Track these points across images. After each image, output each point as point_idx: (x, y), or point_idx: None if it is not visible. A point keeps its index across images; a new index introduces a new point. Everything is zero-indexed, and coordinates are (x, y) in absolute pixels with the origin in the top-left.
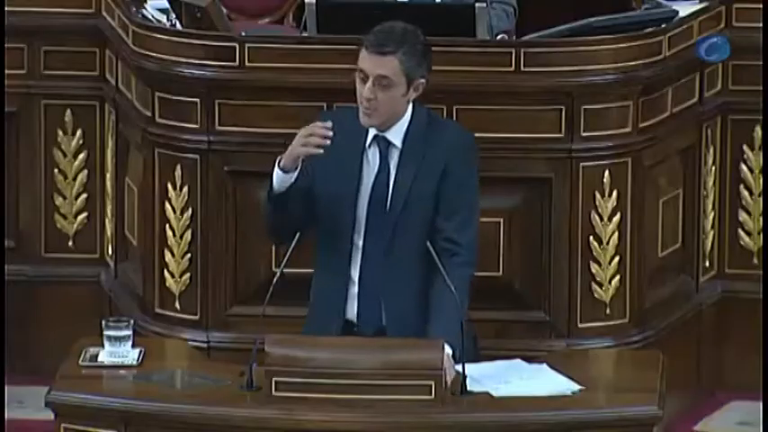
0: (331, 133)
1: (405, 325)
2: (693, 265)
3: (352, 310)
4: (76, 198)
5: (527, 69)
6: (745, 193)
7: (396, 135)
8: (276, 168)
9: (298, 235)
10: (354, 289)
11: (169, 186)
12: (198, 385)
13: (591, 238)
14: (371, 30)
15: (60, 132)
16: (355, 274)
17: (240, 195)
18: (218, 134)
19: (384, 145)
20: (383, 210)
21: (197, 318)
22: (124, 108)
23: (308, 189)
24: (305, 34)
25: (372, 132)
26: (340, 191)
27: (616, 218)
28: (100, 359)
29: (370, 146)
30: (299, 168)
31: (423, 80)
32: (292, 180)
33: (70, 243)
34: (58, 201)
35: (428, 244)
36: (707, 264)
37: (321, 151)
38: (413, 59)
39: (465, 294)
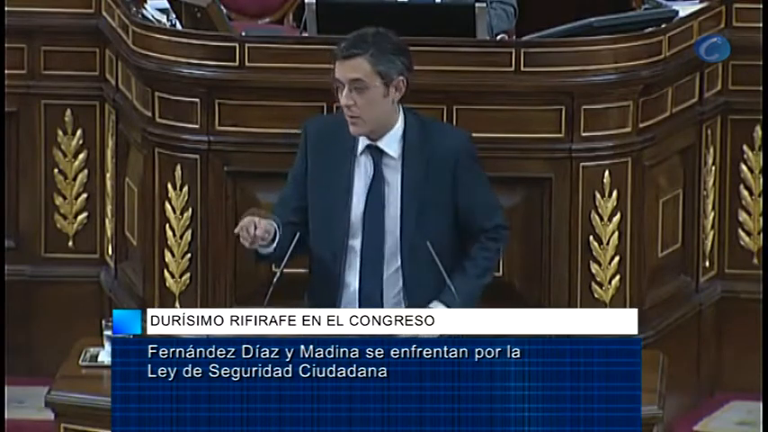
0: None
1: None
2: (693, 265)
3: None
4: (76, 198)
5: (527, 69)
6: (745, 193)
7: (389, 144)
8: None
9: (297, 235)
10: (350, 294)
11: (169, 186)
12: None
13: (591, 238)
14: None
15: (60, 132)
16: (352, 280)
17: (240, 195)
18: (217, 134)
19: (377, 154)
20: (381, 217)
21: None
22: (124, 108)
23: (298, 209)
24: (305, 34)
25: (364, 141)
26: (333, 198)
27: (616, 218)
28: (100, 359)
29: (361, 154)
30: (275, 238)
31: (402, 78)
32: (273, 246)
33: (70, 243)
34: (58, 201)
35: (428, 244)
36: (707, 264)
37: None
38: (383, 57)
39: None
